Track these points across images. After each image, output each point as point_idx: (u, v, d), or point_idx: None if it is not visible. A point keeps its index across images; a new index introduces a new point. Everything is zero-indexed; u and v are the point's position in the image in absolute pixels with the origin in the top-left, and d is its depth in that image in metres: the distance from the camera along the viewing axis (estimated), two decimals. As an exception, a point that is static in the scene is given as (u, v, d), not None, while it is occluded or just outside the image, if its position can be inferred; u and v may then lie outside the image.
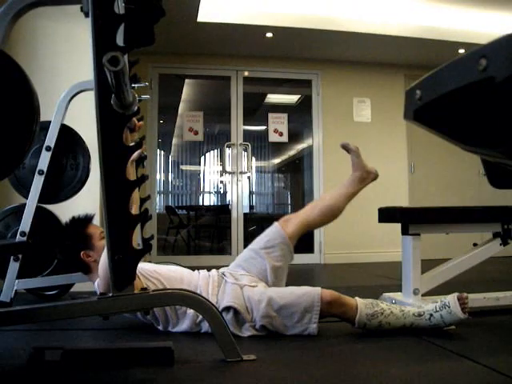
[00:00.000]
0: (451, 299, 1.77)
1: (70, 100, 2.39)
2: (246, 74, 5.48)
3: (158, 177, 5.61)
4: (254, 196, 7.23)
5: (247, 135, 5.50)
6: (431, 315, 1.78)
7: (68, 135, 2.49)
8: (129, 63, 1.32)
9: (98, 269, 1.73)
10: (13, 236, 2.36)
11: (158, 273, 1.91)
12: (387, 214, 2.17)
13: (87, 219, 2.09)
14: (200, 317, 1.78)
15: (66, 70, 3.01)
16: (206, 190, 8.06)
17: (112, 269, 1.36)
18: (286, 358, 1.53)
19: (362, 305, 1.79)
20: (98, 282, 1.79)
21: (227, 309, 1.80)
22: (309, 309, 1.78)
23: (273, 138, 5.51)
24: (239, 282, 1.90)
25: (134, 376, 1.37)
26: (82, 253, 1.96)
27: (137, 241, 2.32)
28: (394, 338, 1.76)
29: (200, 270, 2.01)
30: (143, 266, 1.90)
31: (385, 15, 4.73)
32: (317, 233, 5.38)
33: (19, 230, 2.26)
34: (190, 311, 1.82)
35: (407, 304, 1.99)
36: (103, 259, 1.66)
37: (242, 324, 1.81)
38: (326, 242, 5.30)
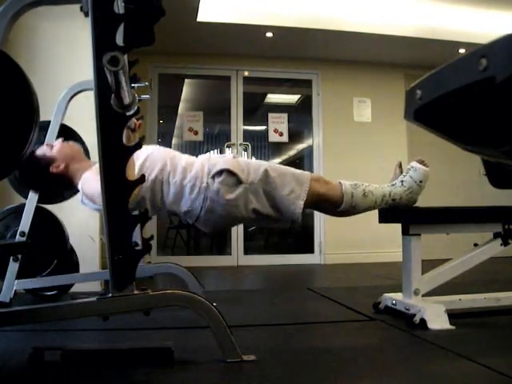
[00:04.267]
0: (413, 163, 2.10)
1: (70, 100, 2.39)
2: (246, 73, 5.48)
3: (157, 177, 5.60)
4: (254, 196, 7.21)
5: (247, 135, 5.50)
6: (402, 181, 2.05)
7: (68, 135, 2.48)
8: (128, 63, 1.32)
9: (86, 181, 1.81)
10: (12, 236, 2.35)
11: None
12: (387, 214, 2.16)
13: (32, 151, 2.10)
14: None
15: (66, 69, 3.01)
16: (206, 189, 8.06)
17: (112, 269, 1.36)
18: (286, 359, 1.52)
19: (344, 180, 2.01)
20: (83, 185, 1.88)
21: (219, 173, 1.85)
22: (300, 182, 1.90)
23: (273, 137, 5.51)
24: (230, 154, 2.01)
25: (134, 376, 1.36)
26: (50, 169, 1.99)
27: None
28: (394, 338, 1.76)
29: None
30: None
31: (385, 15, 4.73)
32: (317, 233, 5.38)
33: (19, 230, 2.26)
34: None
35: (407, 304, 1.99)
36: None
37: (237, 185, 1.84)
38: (326, 242, 5.30)
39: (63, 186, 2.16)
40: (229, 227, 2.04)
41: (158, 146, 2.17)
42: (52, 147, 2.05)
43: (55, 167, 2.00)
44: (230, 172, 1.83)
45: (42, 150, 2.05)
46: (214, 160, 1.93)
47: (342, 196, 1.95)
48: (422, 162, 2.10)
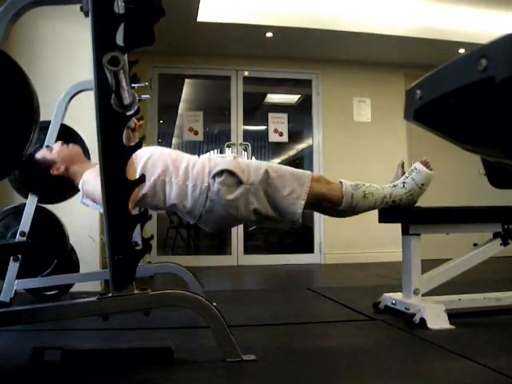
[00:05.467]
0: (416, 164, 2.06)
1: (70, 100, 2.39)
2: (246, 73, 5.48)
3: (157, 177, 5.60)
4: (253, 196, 7.21)
5: (247, 135, 5.50)
6: (404, 182, 2.03)
7: (68, 135, 2.48)
8: (129, 63, 1.32)
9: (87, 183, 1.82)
10: (12, 236, 2.35)
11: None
12: (387, 214, 2.16)
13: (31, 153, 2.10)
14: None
15: (66, 69, 3.01)
16: (206, 189, 8.05)
17: (111, 269, 1.36)
18: (286, 359, 1.53)
19: (345, 180, 1.99)
20: (83, 184, 1.89)
21: (220, 173, 1.85)
22: (300, 182, 1.89)
23: (273, 137, 5.51)
24: (231, 155, 2.00)
25: (134, 376, 1.37)
26: (51, 171, 1.99)
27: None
28: (394, 337, 1.76)
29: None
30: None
31: (385, 15, 4.73)
32: (317, 233, 5.38)
33: (19, 230, 2.26)
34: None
35: (407, 304, 1.99)
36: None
37: (237, 185, 1.84)
38: (325, 242, 5.30)
39: (64, 188, 2.16)
40: (230, 227, 2.03)
41: (159, 146, 2.17)
42: (52, 150, 2.05)
43: (55, 169, 2.00)
44: (230, 172, 1.84)
45: (41, 153, 2.05)
46: (214, 160, 1.93)
47: (343, 196, 1.94)
48: (426, 164, 2.07)
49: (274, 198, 1.87)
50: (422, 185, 2.03)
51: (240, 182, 1.84)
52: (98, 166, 1.89)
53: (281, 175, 1.90)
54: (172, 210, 1.94)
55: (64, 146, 2.07)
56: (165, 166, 1.89)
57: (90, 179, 1.87)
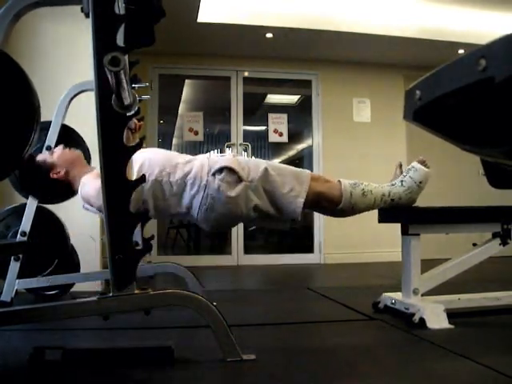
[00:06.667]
0: (414, 163, 2.09)
1: (71, 100, 2.39)
2: (246, 74, 5.48)
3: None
4: (253, 196, 7.21)
5: (247, 135, 5.50)
6: (402, 180, 2.05)
7: (68, 135, 2.49)
8: (129, 63, 1.32)
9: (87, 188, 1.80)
10: (13, 236, 2.36)
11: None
12: (387, 214, 2.17)
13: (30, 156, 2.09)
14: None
15: (67, 70, 3.01)
16: (206, 190, 8.05)
17: (112, 269, 1.36)
18: (286, 358, 1.53)
19: (343, 179, 2.00)
20: (83, 188, 1.88)
21: (220, 171, 1.85)
22: (300, 181, 1.91)
23: (273, 138, 5.51)
24: (230, 154, 1.99)
25: (135, 375, 1.37)
26: (50, 175, 1.99)
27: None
28: (394, 337, 1.76)
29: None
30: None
31: (384, 15, 4.73)
32: (317, 233, 5.39)
33: (19, 230, 2.27)
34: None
35: (407, 304, 1.99)
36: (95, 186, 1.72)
37: (237, 182, 1.85)
38: (325, 242, 5.30)
39: (63, 192, 2.16)
40: (230, 226, 2.03)
41: (155, 148, 2.17)
42: (53, 153, 2.05)
43: (55, 173, 2.01)
44: (230, 169, 1.84)
45: (42, 156, 2.06)
46: (214, 158, 1.93)
47: (342, 195, 1.95)
48: (423, 163, 2.10)
49: (274, 195, 1.88)
50: (420, 182, 2.04)
51: (240, 179, 1.85)
52: (96, 170, 1.89)
53: (280, 173, 1.91)
54: (174, 211, 1.94)
55: (66, 150, 2.07)
56: (161, 166, 1.89)
57: (87, 183, 1.88)
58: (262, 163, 1.93)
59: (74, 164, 2.02)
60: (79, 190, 1.92)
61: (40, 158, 2.04)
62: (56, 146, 2.34)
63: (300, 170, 1.99)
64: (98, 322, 1.93)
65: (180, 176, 1.87)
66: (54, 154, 2.04)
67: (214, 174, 1.84)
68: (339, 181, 2.01)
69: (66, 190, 2.08)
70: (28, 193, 2.24)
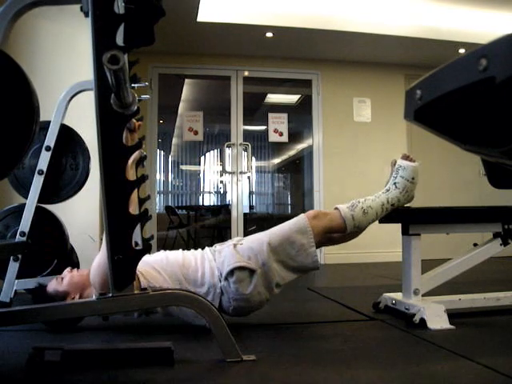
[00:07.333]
0: (399, 161, 2.09)
1: (70, 100, 2.39)
2: (246, 73, 5.48)
3: (157, 177, 5.62)
4: (253, 196, 7.23)
5: (247, 135, 5.50)
6: (395, 183, 2.05)
7: (68, 135, 2.48)
8: (129, 63, 1.32)
9: (91, 274, 1.70)
10: (12, 236, 2.36)
11: (156, 270, 1.86)
12: (387, 215, 2.16)
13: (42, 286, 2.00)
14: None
15: (66, 69, 3.01)
16: (206, 189, 8.05)
17: (112, 269, 1.36)
18: (286, 359, 1.52)
19: (340, 205, 1.99)
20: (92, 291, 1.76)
21: (231, 273, 1.81)
22: (303, 231, 1.88)
23: (273, 137, 5.51)
24: (227, 244, 1.95)
25: (134, 376, 1.37)
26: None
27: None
28: (394, 337, 1.76)
29: (192, 251, 2.00)
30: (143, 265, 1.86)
31: (385, 15, 4.73)
32: (317, 233, 5.38)
33: (19, 230, 2.26)
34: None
35: (407, 304, 1.99)
36: (97, 261, 1.65)
37: (251, 275, 1.82)
38: (325, 242, 5.30)
39: None
40: (262, 306, 1.96)
41: (162, 252, 2.01)
42: (61, 280, 1.97)
43: (71, 299, 1.88)
44: (240, 268, 1.81)
45: (52, 287, 1.93)
46: (219, 260, 1.88)
47: (344, 221, 1.93)
48: (407, 158, 2.09)
49: (287, 262, 1.87)
50: (413, 178, 2.05)
51: (252, 271, 1.82)
52: None
53: (282, 238, 1.88)
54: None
55: (73, 273, 1.95)
56: (176, 280, 1.82)
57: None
58: (262, 241, 1.88)
59: (86, 285, 1.93)
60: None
61: (50, 289, 1.92)
62: (55, 145, 2.34)
63: (296, 219, 1.95)
64: (97, 322, 1.94)
65: (193, 288, 1.81)
66: (63, 282, 1.94)
67: (226, 278, 1.81)
68: (336, 208, 1.98)
69: None
70: (47, 325, 2.14)
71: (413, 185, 2.04)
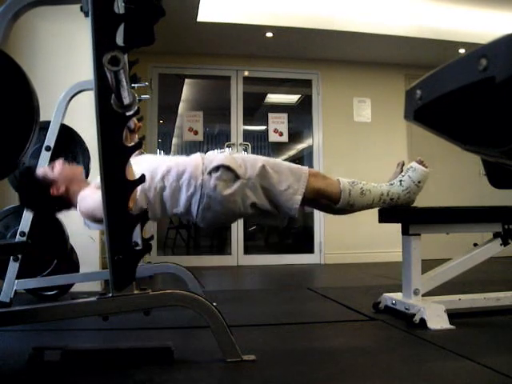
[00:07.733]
0: (412, 163, 2.10)
1: (70, 100, 2.39)
2: (246, 73, 5.48)
3: (157, 177, 5.60)
4: (253, 196, 7.19)
5: (247, 135, 5.50)
6: (401, 180, 2.06)
7: (68, 135, 2.48)
8: (129, 63, 1.32)
9: (79, 201, 1.78)
10: (12, 236, 2.36)
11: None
12: (387, 214, 2.16)
13: (31, 169, 2.06)
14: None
15: (66, 69, 3.01)
16: (206, 189, 8.03)
17: (112, 269, 1.36)
18: (286, 359, 1.52)
19: (342, 178, 2.00)
20: (80, 204, 1.84)
21: (216, 169, 1.84)
22: (297, 177, 1.90)
23: (273, 137, 5.51)
24: (226, 152, 1.99)
25: (134, 376, 1.36)
26: (51, 191, 1.94)
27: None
28: (394, 337, 1.76)
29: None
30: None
31: (385, 15, 4.73)
32: (317, 233, 5.38)
33: (19, 230, 2.26)
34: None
35: (407, 304, 1.99)
36: (90, 197, 1.73)
37: (234, 180, 1.84)
38: (325, 242, 5.30)
39: (62, 208, 2.11)
40: (227, 223, 2.02)
41: (145, 156, 2.14)
42: (53, 168, 2.00)
43: (56, 189, 1.95)
44: (226, 167, 1.83)
45: (42, 171, 1.99)
46: (210, 157, 1.92)
47: (340, 192, 1.94)
48: (421, 163, 2.10)
49: (271, 192, 1.88)
50: (419, 182, 2.05)
51: (237, 177, 1.84)
52: (93, 183, 1.87)
53: (278, 170, 1.90)
54: (172, 213, 1.93)
55: (66, 165, 2.00)
56: (152, 173, 1.87)
57: (87, 196, 1.83)
58: (259, 160, 1.92)
59: (75, 180, 1.97)
60: (78, 205, 1.87)
61: (40, 172, 1.97)
62: (55, 145, 2.34)
63: (298, 166, 1.99)
64: (97, 322, 1.93)
65: (174, 177, 1.86)
66: (54, 170, 1.99)
67: (209, 173, 1.83)
68: (338, 179, 2.00)
69: (64, 205, 2.04)
70: (27, 207, 2.20)
71: (417, 188, 2.05)
